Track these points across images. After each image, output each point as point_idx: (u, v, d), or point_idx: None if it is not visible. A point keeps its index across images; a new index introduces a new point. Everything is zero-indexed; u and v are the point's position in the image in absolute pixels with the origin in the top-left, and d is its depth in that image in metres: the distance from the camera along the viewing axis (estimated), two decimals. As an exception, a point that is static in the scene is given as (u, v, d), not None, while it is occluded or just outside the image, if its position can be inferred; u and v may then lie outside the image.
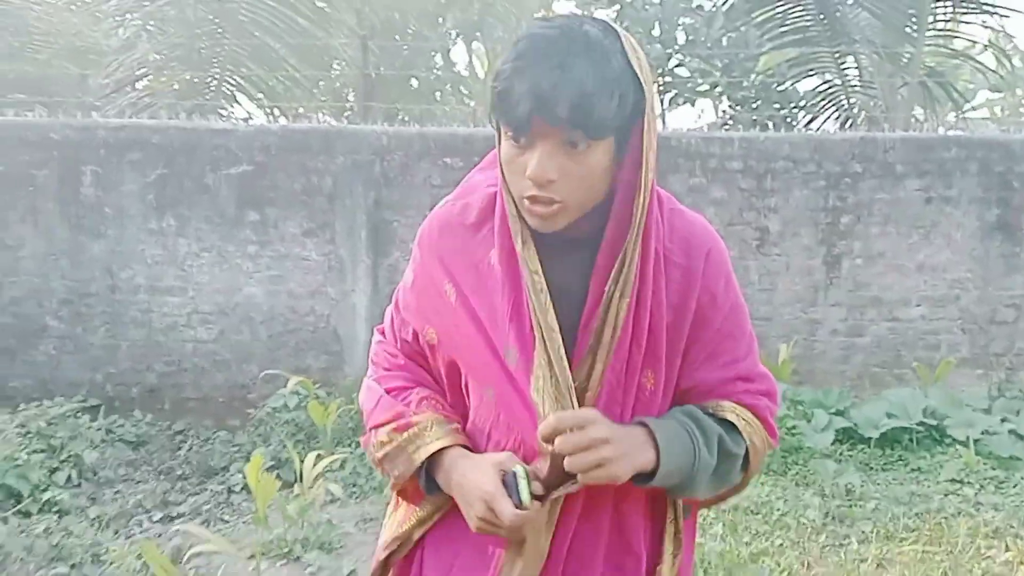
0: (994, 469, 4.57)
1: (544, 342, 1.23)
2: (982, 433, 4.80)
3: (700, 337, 1.28)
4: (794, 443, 4.78)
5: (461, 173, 5.18)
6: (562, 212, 1.18)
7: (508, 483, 1.20)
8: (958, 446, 4.77)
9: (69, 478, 4.78)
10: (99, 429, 5.50)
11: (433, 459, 1.30)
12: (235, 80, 7.87)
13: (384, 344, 1.46)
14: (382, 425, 1.34)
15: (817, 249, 6.06)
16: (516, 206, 1.22)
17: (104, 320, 6.01)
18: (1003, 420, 4.92)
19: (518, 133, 1.15)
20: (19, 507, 4.34)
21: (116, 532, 4.09)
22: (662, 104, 8.91)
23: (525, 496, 1.19)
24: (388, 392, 1.38)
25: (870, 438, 4.89)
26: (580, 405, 1.23)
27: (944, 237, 6.04)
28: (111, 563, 3.59)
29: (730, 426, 1.30)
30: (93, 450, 5.12)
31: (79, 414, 5.60)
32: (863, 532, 3.92)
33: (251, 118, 8.39)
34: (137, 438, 5.62)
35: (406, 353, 1.42)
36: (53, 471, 4.82)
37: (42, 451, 4.91)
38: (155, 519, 4.35)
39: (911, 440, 4.91)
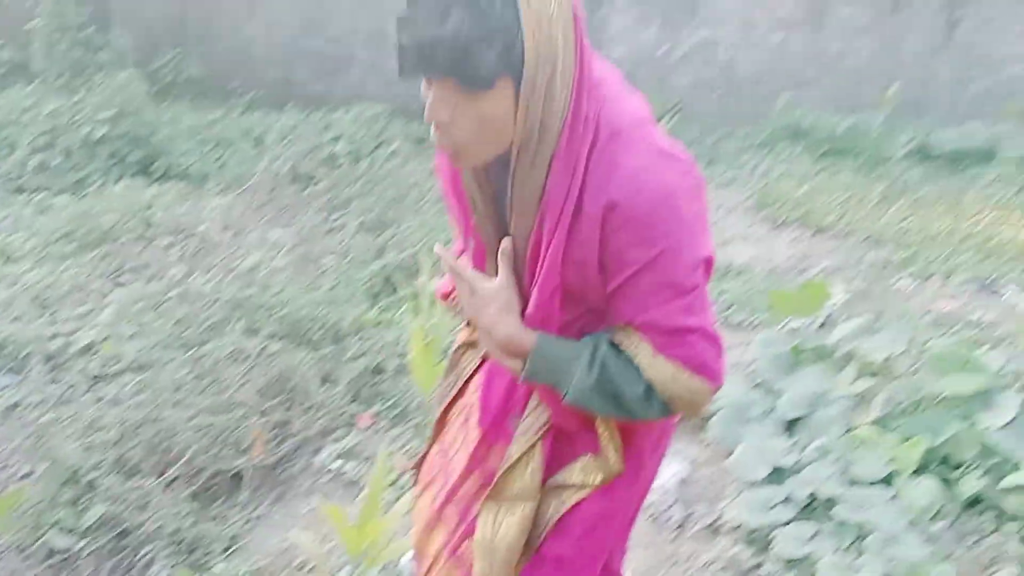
0: (1021, 177, 6.31)
1: (482, 241, 1.43)
2: (1027, 153, 6.54)
3: (614, 278, 1.31)
4: (881, 154, 6.73)
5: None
6: (464, 153, 1.25)
7: None
8: (1004, 162, 6.54)
9: (388, 152, 7.33)
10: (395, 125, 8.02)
11: None
12: None
13: None
14: (447, 297, 1.71)
15: (939, 15, 7.60)
16: None
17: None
18: (1052, 146, 6.61)
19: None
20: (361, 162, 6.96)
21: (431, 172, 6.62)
22: None
23: None
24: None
25: (940, 153, 6.74)
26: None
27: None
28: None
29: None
30: (399, 134, 7.67)
31: (381, 116, 8.15)
32: (905, 203, 5.91)
33: None
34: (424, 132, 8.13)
35: None
36: (375, 147, 7.40)
37: (369, 133, 7.51)
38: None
39: (971, 157, 6.69)
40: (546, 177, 1.26)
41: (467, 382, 1.66)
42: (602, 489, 1.52)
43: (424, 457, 1.77)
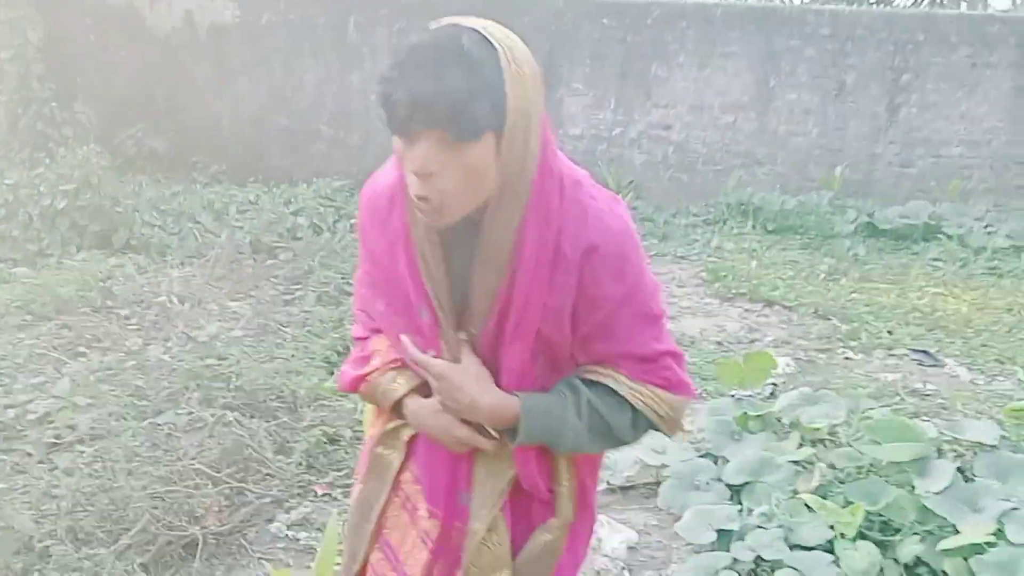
0: (964, 254, 6.59)
1: (436, 309, 1.42)
2: (967, 231, 6.80)
3: (590, 320, 1.40)
4: (828, 231, 6.95)
5: (616, 32, 7.43)
6: (446, 209, 1.29)
7: None
8: (947, 239, 6.80)
9: (349, 224, 7.46)
10: (357, 199, 8.17)
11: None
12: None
13: (356, 292, 1.69)
14: (360, 382, 1.60)
15: (881, 99, 7.95)
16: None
17: (359, 127, 8.65)
18: (987, 225, 6.89)
19: (400, 134, 1.25)
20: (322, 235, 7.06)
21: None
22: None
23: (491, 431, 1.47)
24: (356, 340, 1.66)
25: (885, 230, 6.98)
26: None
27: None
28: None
29: (610, 390, 1.44)
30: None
31: (343, 190, 8.29)
32: (851, 277, 6.12)
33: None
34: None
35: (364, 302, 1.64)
36: (336, 221, 7.52)
37: (331, 207, 7.63)
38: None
39: (915, 234, 6.96)
40: (519, 227, 1.33)
41: (396, 478, 1.63)
42: (569, 540, 1.58)
43: (363, 570, 1.68)
